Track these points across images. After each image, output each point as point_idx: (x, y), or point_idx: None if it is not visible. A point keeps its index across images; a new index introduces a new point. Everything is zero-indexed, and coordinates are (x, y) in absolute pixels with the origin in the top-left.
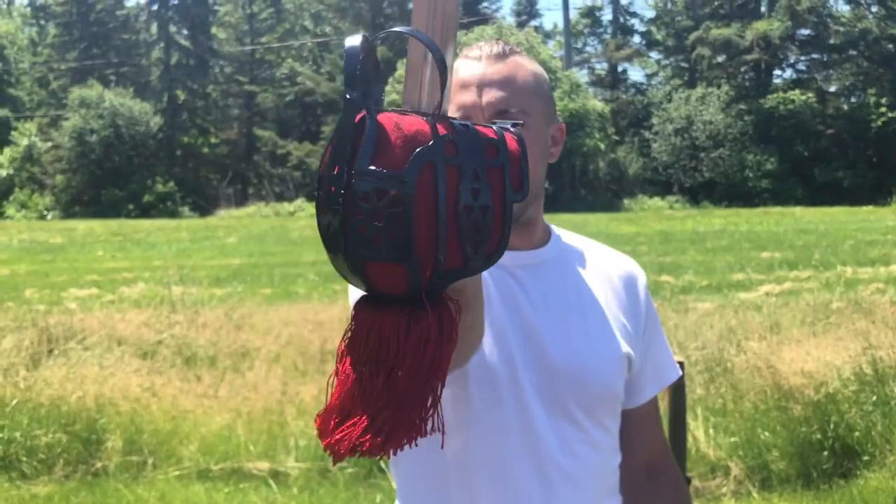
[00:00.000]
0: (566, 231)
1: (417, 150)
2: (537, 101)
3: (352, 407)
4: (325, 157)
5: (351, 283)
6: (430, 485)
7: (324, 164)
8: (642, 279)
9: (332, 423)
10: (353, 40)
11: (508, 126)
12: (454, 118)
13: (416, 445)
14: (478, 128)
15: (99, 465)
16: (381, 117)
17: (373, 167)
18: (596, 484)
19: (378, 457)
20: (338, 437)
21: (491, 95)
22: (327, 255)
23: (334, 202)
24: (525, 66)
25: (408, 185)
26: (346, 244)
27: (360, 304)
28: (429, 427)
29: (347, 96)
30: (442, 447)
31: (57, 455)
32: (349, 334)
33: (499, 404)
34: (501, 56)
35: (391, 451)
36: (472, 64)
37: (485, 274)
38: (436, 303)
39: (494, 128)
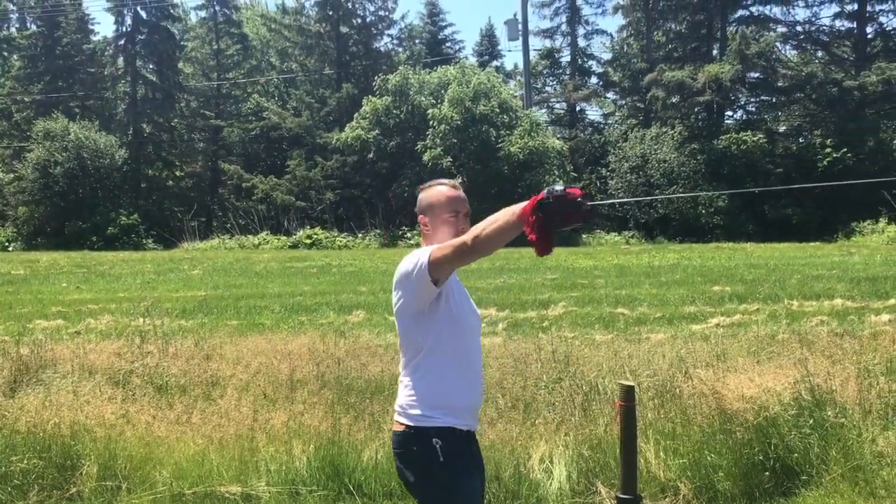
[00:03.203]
0: None
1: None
2: (468, 203)
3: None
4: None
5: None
6: (448, 361)
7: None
8: None
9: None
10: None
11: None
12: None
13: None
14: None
15: (74, 490)
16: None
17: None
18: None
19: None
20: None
21: (462, 202)
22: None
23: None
24: (462, 190)
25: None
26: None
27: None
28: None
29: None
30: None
31: (32, 481)
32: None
33: (466, 327)
34: (458, 188)
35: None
36: (451, 190)
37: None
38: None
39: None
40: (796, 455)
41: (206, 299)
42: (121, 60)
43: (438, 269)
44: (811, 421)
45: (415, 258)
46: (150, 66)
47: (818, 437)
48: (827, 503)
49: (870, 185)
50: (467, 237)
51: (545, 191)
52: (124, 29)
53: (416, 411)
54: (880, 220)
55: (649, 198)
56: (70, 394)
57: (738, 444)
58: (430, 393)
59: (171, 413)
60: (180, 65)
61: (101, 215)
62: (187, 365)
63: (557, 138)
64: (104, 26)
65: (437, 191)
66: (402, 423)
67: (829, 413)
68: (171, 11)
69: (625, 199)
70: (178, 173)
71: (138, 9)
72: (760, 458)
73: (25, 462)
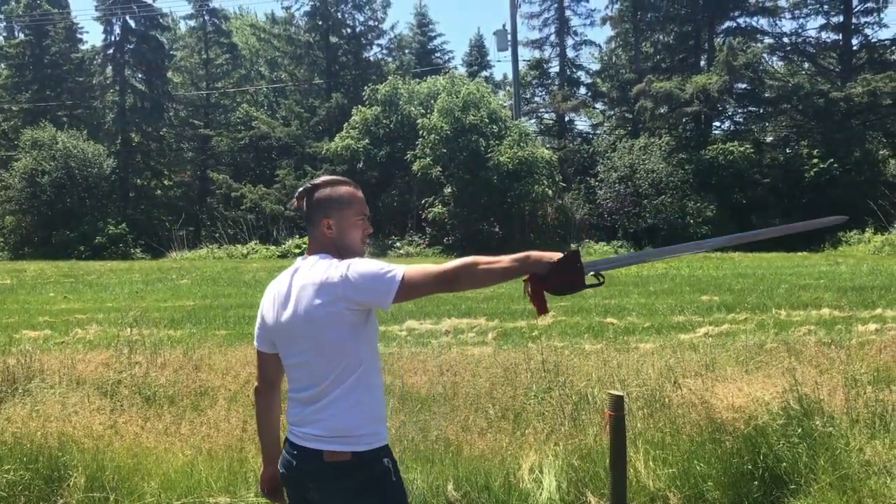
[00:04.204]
0: None
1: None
2: None
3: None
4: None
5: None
6: (378, 372)
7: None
8: None
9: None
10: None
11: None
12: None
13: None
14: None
15: (61, 501)
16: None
17: None
18: None
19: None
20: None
21: (365, 203)
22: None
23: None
24: None
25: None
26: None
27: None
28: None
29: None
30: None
31: (18, 493)
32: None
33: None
34: (358, 187)
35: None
36: (357, 189)
37: None
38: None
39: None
40: (785, 464)
41: (194, 309)
42: (109, 69)
43: (409, 294)
44: (799, 430)
45: (373, 267)
46: (139, 76)
47: (806, 447)
48: None
49: (856, 195)
50: (449, 272)
51: (549, 270)
52: (113, 38)
53: (364, 431)
54: (867, 229)
55: (638, 258)
56: (57, 404)
57: (726, 453)
58: (375, 408)
59: (159, 424)
60: (169, 74)
61: (89, 224)
62: (176, 375)
63: (546, 148)
64: (93, 35)
65: (346, 190)
66: (344, 452)
67: (817, 422)
68: (160, 21)
69: (619, 261)
70: (166, 182)
71: (127, 18)
72: (749, 467)
73: (12, 474)
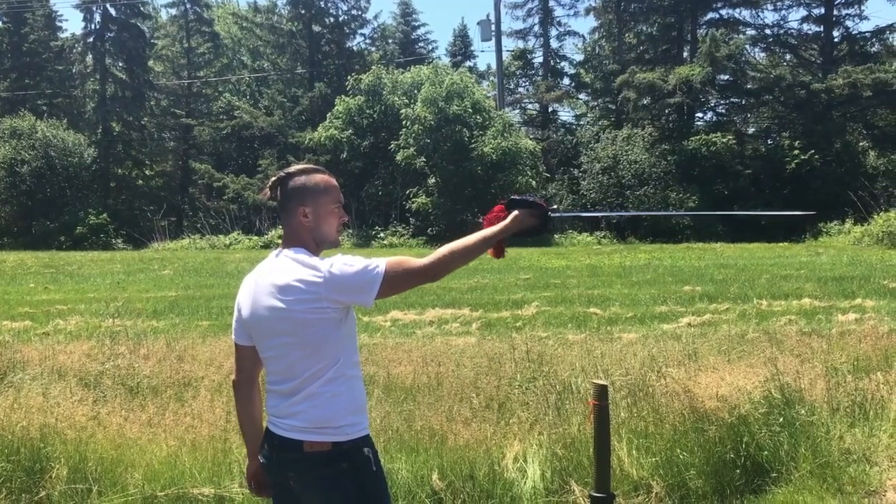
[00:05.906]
0: None
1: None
2: None
3: None
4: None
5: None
6: (356, 362)
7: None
8: None
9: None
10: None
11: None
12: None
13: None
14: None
15: (43, 493)
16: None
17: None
18: None
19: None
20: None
21: (340, 191)
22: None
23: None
24: None
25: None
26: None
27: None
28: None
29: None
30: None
31: (0, 484)
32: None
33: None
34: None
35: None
36: (332, 177)
37: None
38: None
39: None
40: (766, 453)
41: (177, 300)
42: (90, 58)
43: (392, 291)
44: (781, 419)
45: (355, 267)
46: (120, 64)
47: (788, 435)
48: (796, 500)
49: (837, 186)
50: (431, 268)
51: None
52: (93, 26)
53: (344, 422)
54: (847, 220)
55: (602, 214)
56: (39, 395)
57: (709, 442)
58: (354, 399)
59: (142, 415)
60: (150, 63)
61: (70, 215)
62: (159, 366)
63: (530, 139)
64: (73, 23)
65: (321, 177)
66: (324, 442)
67: (799, 411)
68: (142, 9)
69: (584, 213)
70: (147, 172)
71: (108, 6)
72: (731, 455)
73: None
